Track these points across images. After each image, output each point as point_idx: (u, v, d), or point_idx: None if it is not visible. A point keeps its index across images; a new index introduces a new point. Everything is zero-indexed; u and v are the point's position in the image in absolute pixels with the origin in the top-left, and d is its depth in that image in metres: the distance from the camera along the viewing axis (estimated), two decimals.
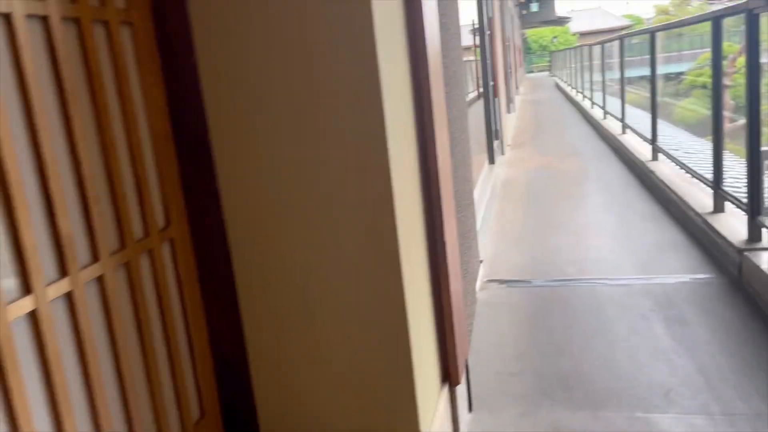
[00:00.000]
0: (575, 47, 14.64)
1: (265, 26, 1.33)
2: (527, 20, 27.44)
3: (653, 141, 5.07)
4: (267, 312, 1.49)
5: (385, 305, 1.42)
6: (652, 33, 4.87)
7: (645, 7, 62.95)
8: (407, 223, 1.47)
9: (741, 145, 3.47)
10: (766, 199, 2.79)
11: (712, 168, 3.40)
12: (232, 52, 1.36)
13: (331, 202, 1.38)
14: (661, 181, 4.40)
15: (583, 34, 51.43)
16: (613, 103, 9.41)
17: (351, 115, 1.33)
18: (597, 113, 9.32)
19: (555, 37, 47.33)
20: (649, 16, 54.17)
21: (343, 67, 1.31)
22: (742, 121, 3.29)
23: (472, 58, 6.04)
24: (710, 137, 3.49)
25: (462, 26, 6.53)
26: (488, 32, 5.78)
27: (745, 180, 2.90)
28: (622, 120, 6.82)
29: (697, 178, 3.79)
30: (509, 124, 10.34)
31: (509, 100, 11.76)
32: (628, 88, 7.01)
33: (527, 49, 47.69)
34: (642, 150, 5.63)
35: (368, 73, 1.30)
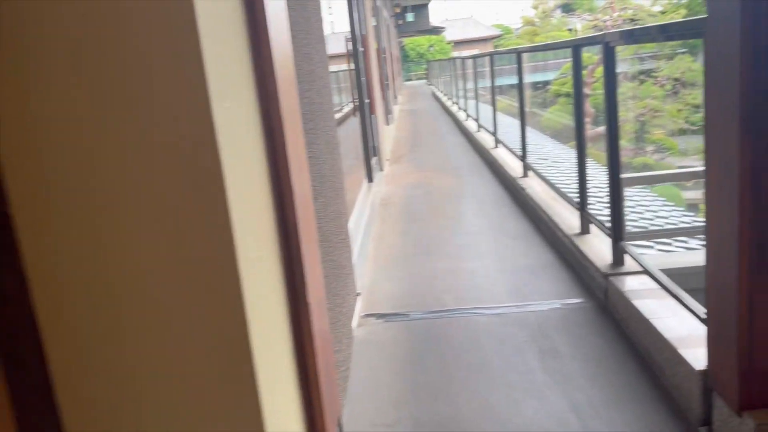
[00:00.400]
0: (449, 59, 15.06)
1: (68, 70, 1.11)
2: (403, 30, 28.02)
3: (523, 158, 5.22)
4: (91, 405, 1.26)
5: (232, 387, 1.24)
6: (518, 54, 5.02)
7: (513, 18, 66.60)
8: (258, 285, 1.30)
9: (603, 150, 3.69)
10: (630, 224, 2.90)
11: (577, 187, 3.52)
12: (32, 103, 1.12)
13: (158, 269, 1.18)
14: (532, 199, 4.52)
15: (458, 43, 53.63)
16: (487, 115, 9.74)
17: (186, 171, 1.15)
18: (471, 125, 9.59)
19: (431, 45, 48.81)
20: (517, 26, 57.45)
21: (171, 123, 1.12)
22: (603, 128, 3.43)
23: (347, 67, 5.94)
24: (574, 143, 3.62)
25: (338, 33, 6.32)
26: (362, 49, 5.71)
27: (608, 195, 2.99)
28: (494, 134, 7.01)
29: (564, 199, 3.91)
30: (388, 135, 10.40)
31: (388, 112, 11.85)
32: (500, 97, 7.23)
33: (405, 57, 48.81)
34: (514, 165, 5.80)
35: (204, 129, 1.13)
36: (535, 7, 51.29)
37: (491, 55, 6.99)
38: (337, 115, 5.38)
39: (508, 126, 11.82)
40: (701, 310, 1.99)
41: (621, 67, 32.39)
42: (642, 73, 27.89)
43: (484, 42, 54.73)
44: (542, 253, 3.73)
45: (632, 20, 33.38)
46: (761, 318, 1.64)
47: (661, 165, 25.16)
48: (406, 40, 47.05)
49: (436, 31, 36.99)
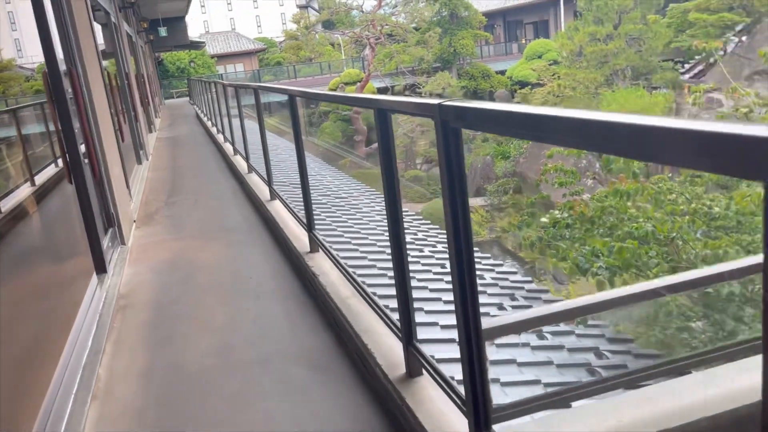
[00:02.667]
0: (208, 81, 13.48)
1: None
2: (158, 45, 25.38)
3: (309, 228, 4.03)
4: None
5: None
6: (291, 97, 3.80)
7: (275, 31, 66.32)
8: None
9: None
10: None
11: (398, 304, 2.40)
12: None
13: None
14: (328, 295, 3.34)
15: (221, 57, 51.49)
16: (258, 149, 8.43)
17: None
18: (241, 163, 8.21)
19: (192, 60, 45.93)
20: (280, 39, 56.99)
21: None
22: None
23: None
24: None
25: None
26: (69, 90, 4.03)
27: None
28: (269, 184, 5.75)
29: (379, 316, 2.77)
30: (141, 177, 8.57)
31: (140, 147, 9.95)
32: (270, 119, 6.00)
33: (165, 72, 45.37)
34: (298, 231, 4.59)
35: None
36: (297, 22, 51.30)
37: (255, 89, 5.70)
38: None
39: (284, 150, 10.62)
40: None
41: (384, 83, 33.34)
42: (407, 88, 28.82)
43: (248, 55, 53.24)
44: (359, 408, 2.54)
45: (390, 35, 34.48)
46: None
47: (430, 175, 26.15)
48: (165, 55, 43.58)
49: (196, 45, 34.62)
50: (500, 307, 4.77)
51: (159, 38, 23.22)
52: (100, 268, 4.18)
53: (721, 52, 20.56)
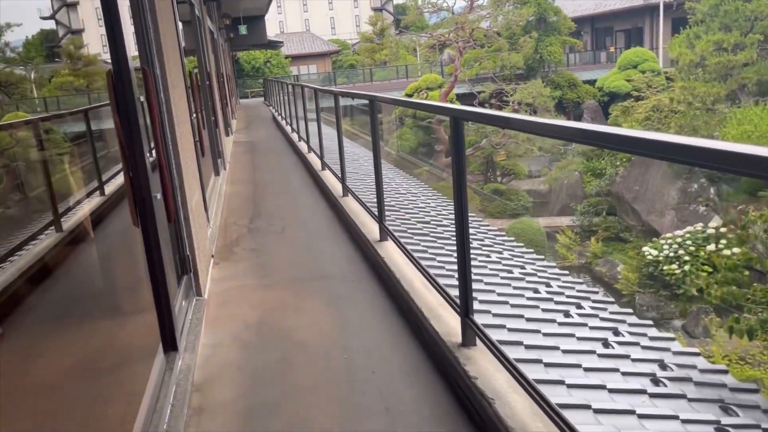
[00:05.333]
0: (286, 83, 12.54)
1: None
2: (237, 43, 24.90)
3: (466, 314, 2.76)
4: None
5: None
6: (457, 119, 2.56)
7: (347, 33, 66.00)
8: None
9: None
10: None
11: None
12: None
13: None
14: (496, 413, 2.06)
15: (295, 57, 51.35)
16: (355, 175, 7.30)
17: None
18: (332, 181, 7.08)
19: (268, 60, 45.80)
20: (353, 42, 56.44)
21: None
22: None
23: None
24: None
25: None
26: (141, 98, 2.93)
27: None
28: (380, 222, 4.54)
29: None
30: (218, 192, 7.56)
31: (218, 156, 8.98)
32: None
33: (240, 71, 45.46)
34: (432, 301, 3.34)
35: None
36: (373, 24, 50.46)
37: (371, 100, 4.49)
38: None
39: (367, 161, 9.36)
40: None
41: (464, 89, 31.68)
42: (492, 96, 27.07)
43: (322, 57, 52.90)
44: None
45: (474, 40, 32.57)
46: None
47: (510, 189, 24.46)
48: (240, 54, 43.62)
49: (274, 45, 34.22)
50: (605, 343, 3.79)
51: (238, 36, 22.68)
52: (170, 344, 3.05)
53: None
